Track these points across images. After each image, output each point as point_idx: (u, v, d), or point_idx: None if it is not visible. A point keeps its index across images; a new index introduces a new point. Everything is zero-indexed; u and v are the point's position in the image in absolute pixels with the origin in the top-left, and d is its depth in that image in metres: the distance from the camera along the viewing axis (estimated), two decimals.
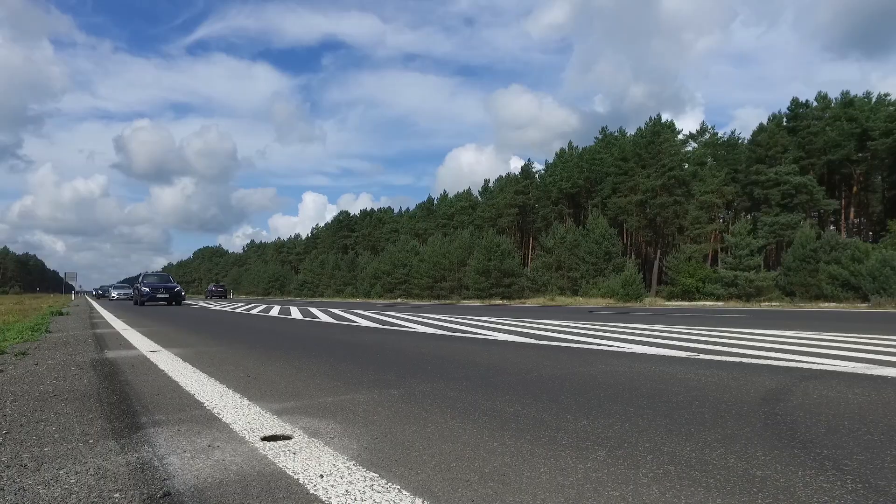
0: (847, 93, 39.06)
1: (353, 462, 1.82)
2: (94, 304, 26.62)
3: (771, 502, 1.45)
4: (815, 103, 39.18)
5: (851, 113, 37.64)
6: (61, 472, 1.76)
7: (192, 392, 3.10)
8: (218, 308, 19.28)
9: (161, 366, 4.21)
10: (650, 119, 43.64)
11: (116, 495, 1.56)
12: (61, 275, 68.81)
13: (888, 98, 38.31)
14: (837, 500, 1.47)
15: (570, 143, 53.83)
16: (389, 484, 1.61)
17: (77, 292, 58.71)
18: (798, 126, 38.42)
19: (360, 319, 11.08)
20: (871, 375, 3.48)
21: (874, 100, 39.40)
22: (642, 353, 4.83)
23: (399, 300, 43.91)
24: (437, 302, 38.64)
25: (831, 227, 37.71)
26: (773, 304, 26.50)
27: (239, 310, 17.45)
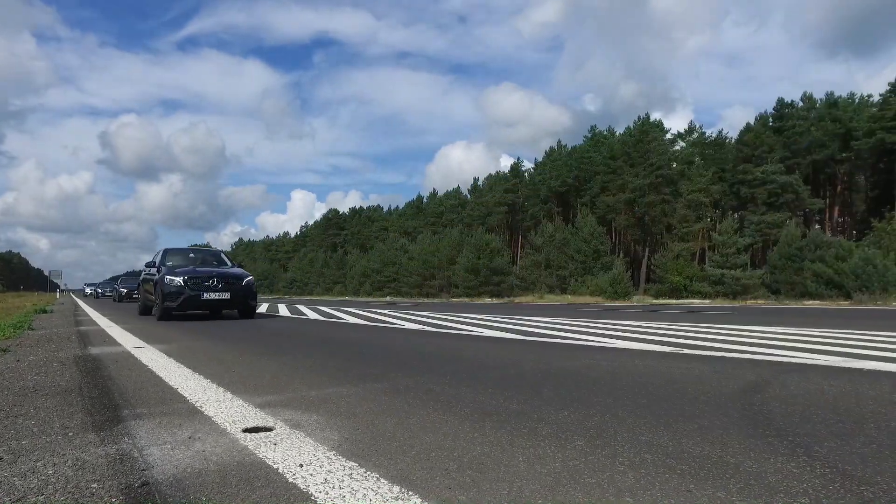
0: (831, 93, 39.65)
1: (334, 452, 1.83)
2: (81, 302, 26.06)
3: (742, 487, 1.49)
4: (800, 103, 39.70)
5: (836, 113, 38.20)
6: (38, 464, 1.75)
7: (176, 386, 3.09)
8: None
9: (145, 361, 4.18)
10: (639, 118, 43.98)
11: (94, 485, 1.56)
12: (46, 273, 67.91)
13: (871, 99, 38.99)
14: (806, 483, 1.50)
15: (559, 141, 53.94)
16: (368, 472, 1.63)
17: (62, 290, 57.95)
18: (784, 126, 38.89)
19: (348, 316, 11.06)
20: (849, 368, 3.55)
21: (857, 100, 40.04)
22: (627, 349, 4.87)
23: (388, 298, 43.85)
24: (426, 300, 38.62)
25: (816, 226, 38.18)
26: (759, 301, 26.81)
27: None
